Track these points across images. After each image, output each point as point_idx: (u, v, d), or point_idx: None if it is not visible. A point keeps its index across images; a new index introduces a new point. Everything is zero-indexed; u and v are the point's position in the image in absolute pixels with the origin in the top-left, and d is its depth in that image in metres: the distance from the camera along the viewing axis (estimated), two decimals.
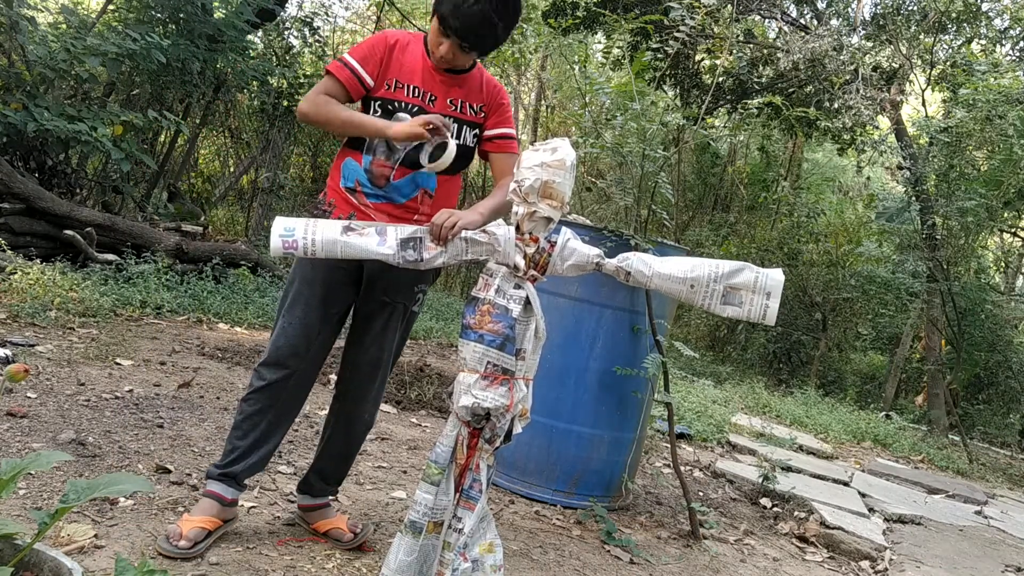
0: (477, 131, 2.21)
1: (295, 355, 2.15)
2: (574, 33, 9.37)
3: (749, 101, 7.73)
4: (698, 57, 9.81)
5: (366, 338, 2.26)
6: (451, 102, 2.15)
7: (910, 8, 8.73)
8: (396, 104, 2.12)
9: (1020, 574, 3.66)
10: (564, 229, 1.89)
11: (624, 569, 2.69)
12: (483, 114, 2.20)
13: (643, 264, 1.82)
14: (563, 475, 3.25)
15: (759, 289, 1.76)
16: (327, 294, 2.16)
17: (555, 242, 1.84)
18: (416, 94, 2.13)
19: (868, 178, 13.16)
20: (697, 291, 1.79)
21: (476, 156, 2.28)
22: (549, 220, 1.80)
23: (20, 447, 2.45)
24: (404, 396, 4.33)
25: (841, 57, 8.19)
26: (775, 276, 1.77)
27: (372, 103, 2.13)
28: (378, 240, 1.82)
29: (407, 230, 1.84)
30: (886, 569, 3.31)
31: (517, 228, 1.81)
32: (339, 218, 2.09)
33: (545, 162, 1.75)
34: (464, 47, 2.04)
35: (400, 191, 2.13)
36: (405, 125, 1.99)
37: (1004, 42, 9.15)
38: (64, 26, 6.45)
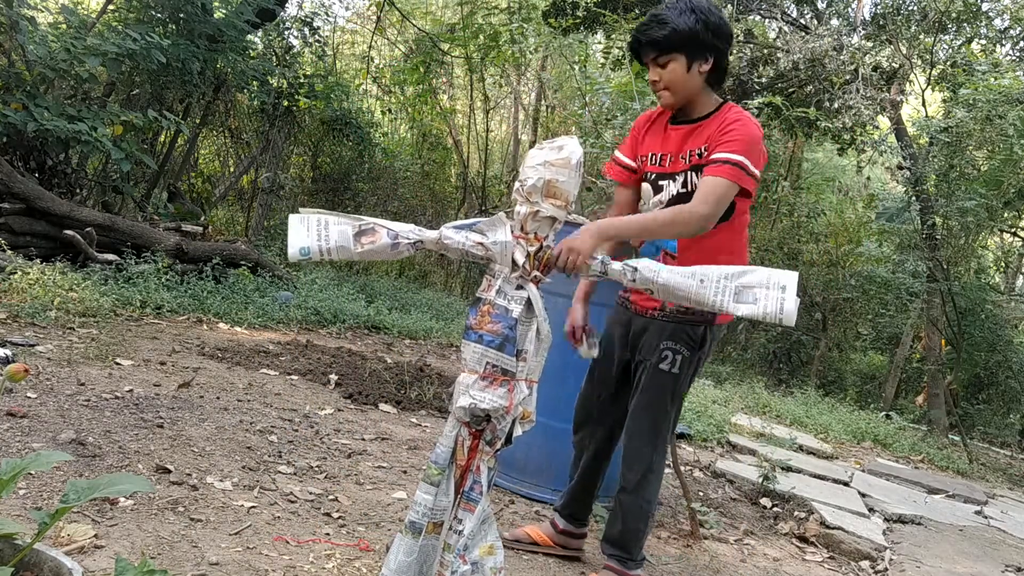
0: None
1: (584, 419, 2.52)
2: (574, 33, 9.35)
3: (749, 101, 7.72)
4: None
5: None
6: (683, 157, 2.17)
7: (910, 8, 8.71)
8: (647, 175, 2.26)
9: (1020, 574, 3.66)
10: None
11: None
12: (707, 152, 2.14)
13: (649, 269, 1.81)
14: (563, 475, 3.23)
15: (773, 284, 1.71)
16: (605, 358, 2.40)
17: None
18: (653, 161, 2.21)
19: (868, 178, 13.14)
20: (707, 286, 1.73)
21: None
22: (553, 220, 1.78)
23: (20, 447, 2.45)
24: (404, 396, 4.33)
25: (841, 57, 8.17)
26: (788, 272, 1.73)
27: (644, 181, 2.31)
28: (390, 244, 1.81)
29: (406, 228, 1.82)
30: (886, 569, 3.31)
31: (521, 228, 1.80)
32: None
33: (549, 160, 1.73)
34: (644, 51, 2.13)
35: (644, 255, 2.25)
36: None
37: (1004, 42, 9.14)
38: (64, 26, 6.44)
